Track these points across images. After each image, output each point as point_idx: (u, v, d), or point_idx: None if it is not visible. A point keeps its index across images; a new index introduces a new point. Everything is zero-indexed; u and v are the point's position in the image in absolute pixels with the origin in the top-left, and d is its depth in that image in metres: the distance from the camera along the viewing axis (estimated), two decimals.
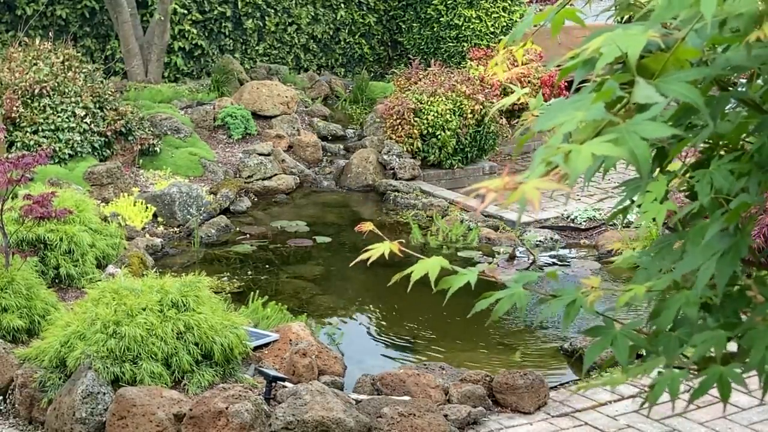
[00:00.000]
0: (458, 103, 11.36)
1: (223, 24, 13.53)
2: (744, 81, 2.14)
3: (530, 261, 8.98)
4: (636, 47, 1.67)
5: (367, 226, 2.42)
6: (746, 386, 1.98)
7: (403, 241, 2.35)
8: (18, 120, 9.87)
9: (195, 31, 13.26)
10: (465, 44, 13.87)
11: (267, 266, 8.82)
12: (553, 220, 9.96)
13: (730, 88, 2.05)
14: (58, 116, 10.01)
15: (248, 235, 9.56)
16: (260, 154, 11.13)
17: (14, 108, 9.79)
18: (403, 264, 2.22)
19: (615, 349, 2.08)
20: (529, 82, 12.43)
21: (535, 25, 2.30)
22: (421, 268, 2.15)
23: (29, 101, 10.02)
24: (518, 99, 2.49)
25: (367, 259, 2.30)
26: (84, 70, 10.70)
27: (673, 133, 1.67)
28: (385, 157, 11.25)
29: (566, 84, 12.53)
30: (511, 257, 8.97)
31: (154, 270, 7.79)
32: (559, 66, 1.98)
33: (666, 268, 2.11)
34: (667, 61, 1.77)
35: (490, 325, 7.53)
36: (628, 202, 2.25)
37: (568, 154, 1.59)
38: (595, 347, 2.11)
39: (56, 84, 10.20)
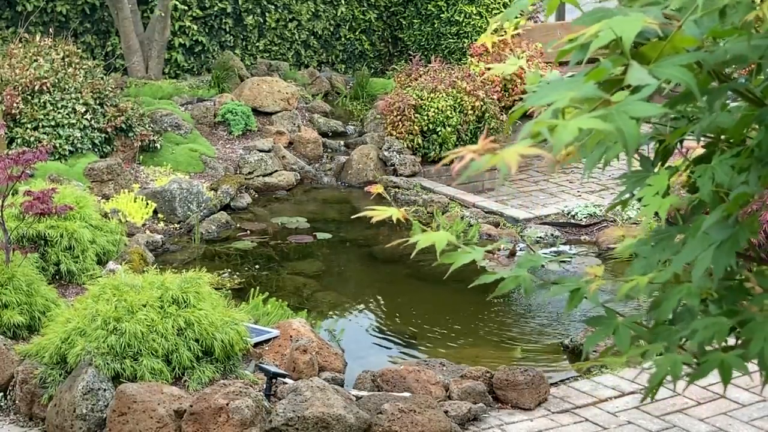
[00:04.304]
0: (459, 100, 11.36)
1: (224, 20, 13.52)
2: (745, 77, 2.14)
3: None
4: (631, 31, 1.67)
5: (377, 189, 2.38)
6: (748, 372, 1.98)
7: (408, 209, 2.33)
8: (18, 116, 9.87)
9: (195, 27, 13.25)
10: (465, 40, 13.86)
11: (267, 262, 8.82)
12: (554, 216, 9.95)
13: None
14: (59, 112, 10.01)
15: (249, 232, 9.55)
16: (261, 151, 11.13)
17: (14, 104, 9.78)
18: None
19: (617, 339, 2.08)
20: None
21: (529, 18, 2.29)
22: (426, 239, 2.12)
23: (29, 97, 10.01)
24: (519, 96, 2.49)
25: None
26: (84, 67, 10.69)
27: (669, 118, 1.66)
28: (386, 153, 11.25)
29: None
30: (512, 253, 8.97)
31: (155, 266, 7.78)
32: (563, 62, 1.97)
33: (665, 260, 2.11)
34: (664, 49, 1.77)
35: (491, 321, 7.52)
36: (628, 194, 2.24)
37: (555, 128, 1.59)
38: (595, 335, 2.11)
39: (56, 80, 10.19)
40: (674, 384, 2.03)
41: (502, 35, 2.57)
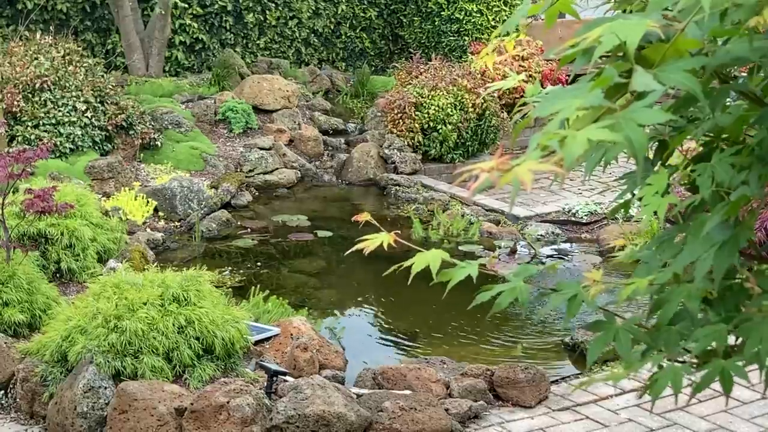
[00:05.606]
0: (459, 97, 11.35)
1: (224, 18, 13.51)
2: (744, 75, 2.14)
3: (531, 255, 8.97)
4: (635, 36, 1.66)
5: (365, 216, 2.41)
6: (748, 379, 1.98)
7: (399, 232, 2.33)
8: (19, 114, 9.87)
9: (196, 25, 13.24)
10: (466, 38, 13.86)
11: (268, 260, 8.82)
12: (555, 214, 9.95)
13: (731, 82, 2.04)
14: (59, 110, 10.01)
15: (249, 230, 9.56)
16: (261, 149, 11.13)
17: (15, 102, 9.78)
18: (406, 258, 2.21)
19: (617, 344, 2.08)
20: (530, 76, 12.41)
21: (530, 17, 2.29)
22: (421, 261, 2.14)
23: (30, 95, 10.01)
24: (519, 93, 2.49)
25: (370, 253, 2.28)
26: (85, 64, 10.69)
27: (669, 120, 1.66)
28: (387, 151, 11.25)
29: (566, 79, 12.52)
30: (513, 251, 8.96)
31: (155, 264, 7.78)
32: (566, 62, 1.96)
33: (667, 261, 2.11)
34: (667, 52, 1.76)
35: (492, 319, 7.52)
36: (629, 195, 2.24)
37: (564, 139, 1.58)
38: (597, 342, 2.10)
39: (57, 78, 10.19)
40: (675, 399, 2.03)
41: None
